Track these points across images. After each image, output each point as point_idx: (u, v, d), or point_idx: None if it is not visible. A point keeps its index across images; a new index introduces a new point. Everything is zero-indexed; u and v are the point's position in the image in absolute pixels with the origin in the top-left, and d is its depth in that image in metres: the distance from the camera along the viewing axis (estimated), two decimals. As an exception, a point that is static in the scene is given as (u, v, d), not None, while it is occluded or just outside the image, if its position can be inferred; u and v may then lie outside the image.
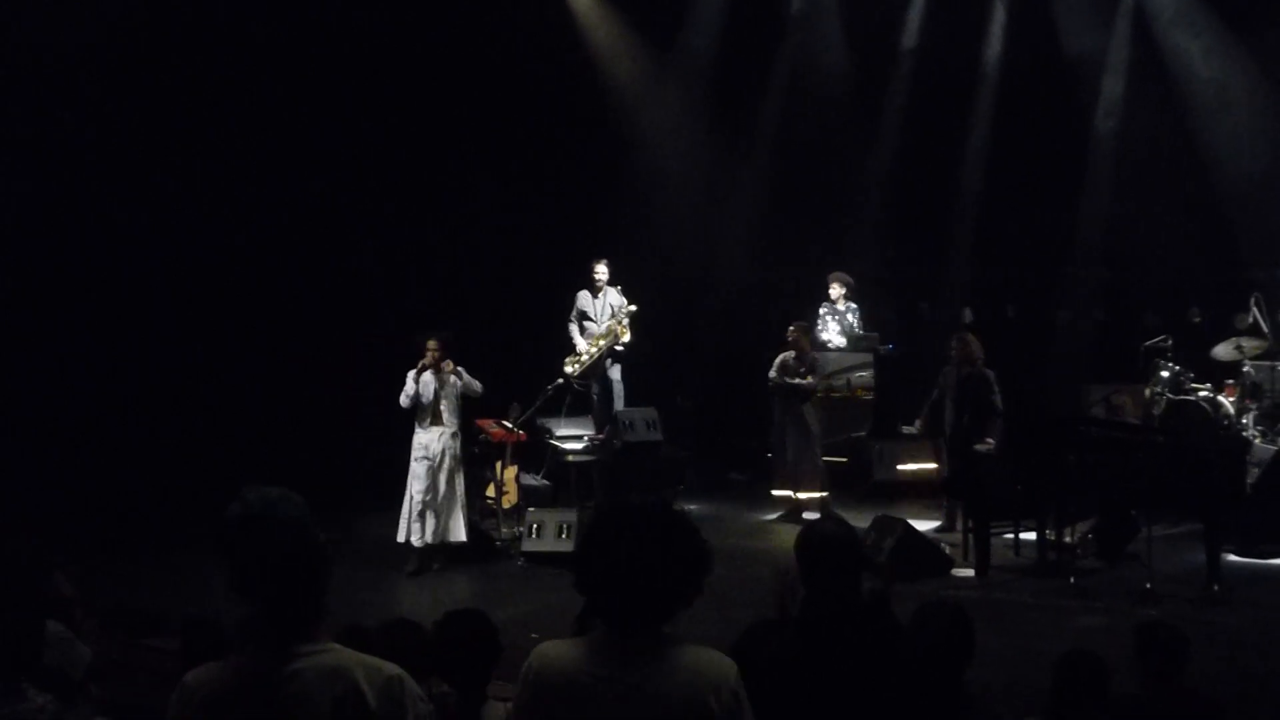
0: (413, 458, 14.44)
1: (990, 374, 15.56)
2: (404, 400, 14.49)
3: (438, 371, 14.36)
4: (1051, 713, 6.41)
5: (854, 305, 19.71)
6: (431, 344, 14.40)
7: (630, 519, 4.23)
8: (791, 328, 17.33)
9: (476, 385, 14.58)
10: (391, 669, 4.05)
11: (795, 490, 17.09)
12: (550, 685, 4.15)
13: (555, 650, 4.24)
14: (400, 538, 14.33)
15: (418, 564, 14.20)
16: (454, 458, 14.51)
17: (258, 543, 3.97)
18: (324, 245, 18.66)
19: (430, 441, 14.37)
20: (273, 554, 3.96)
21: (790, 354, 17.16)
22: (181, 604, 9.68)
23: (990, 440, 15.14)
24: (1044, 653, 7.58)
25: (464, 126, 19.54)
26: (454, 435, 14.57)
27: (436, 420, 14.42)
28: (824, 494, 17.05)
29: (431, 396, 14.38)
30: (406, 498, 14.34)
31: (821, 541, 5.23)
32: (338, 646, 4.06)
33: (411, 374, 14.42)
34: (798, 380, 17.04)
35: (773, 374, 17.20)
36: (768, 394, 17.42)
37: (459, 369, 14.50)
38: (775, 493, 17.42)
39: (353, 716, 3.90)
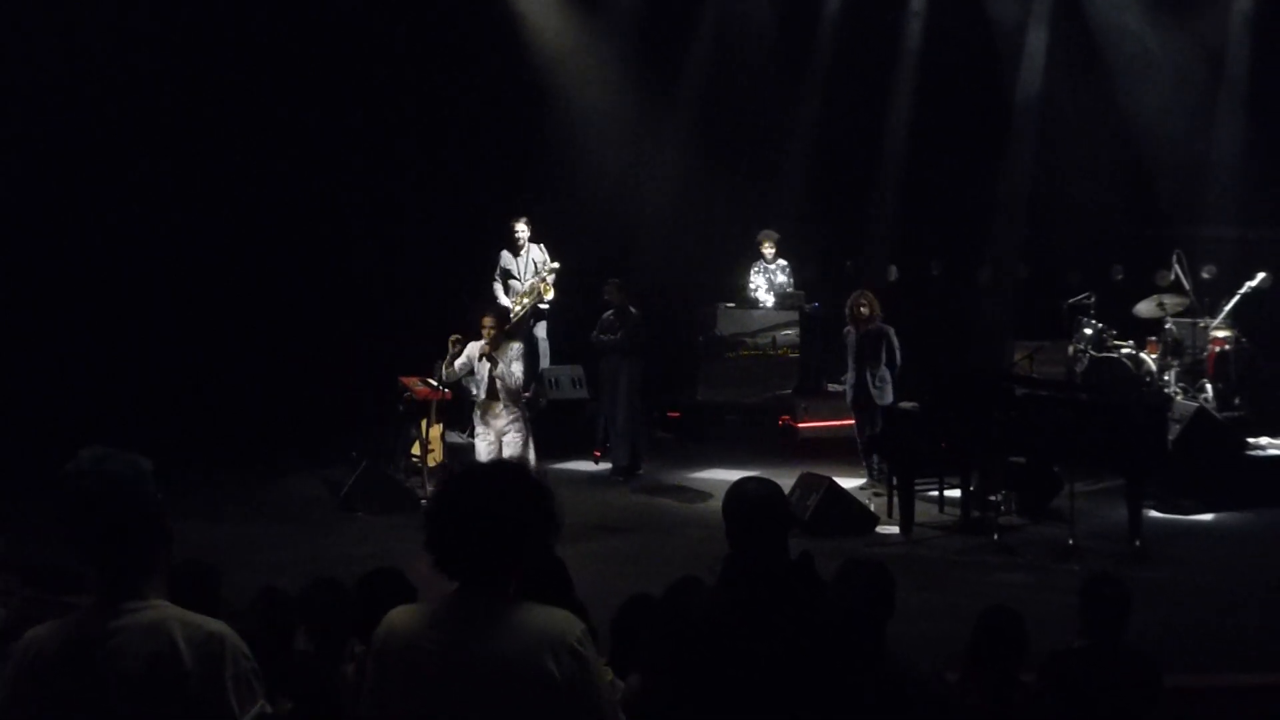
0: (477, 436, 14.05)
1: (889, 329, 15.64)
2: (450, 374, 14.28)
3: (493, 349, 13.90)
4: (970, 667, 6.45)
5: (784, 263, 19.75)
6: (488, 320, 14.01)
7: (474, 480, 4.29)
8: (606, 285, 17.03)
9: (517, 375, 13.99)
10: (214, 625, 3.98)
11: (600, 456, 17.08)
12: (392, 652, 4.15)
13: (399, 617, 4.23)
14: None
15: None
16: (517, 429, 14.03)
17: (85, 498, 3.92)
18: (249, 207, 18.49)
19: (492, 420, 13.89)
20: (99, 509, 3.92)
21: (609, 312, 16.95)
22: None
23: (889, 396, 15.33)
24: (965, 608, 7.64)
25: (383, 84, 19.38)
26: (512, 413, 13.97)
27: (493, 396, 13.86)
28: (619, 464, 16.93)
29: (486, 376, 13.91)
30: None
31: (747, 501, 5.22)
32: (163, 603, 3.98)
33: (467, 352, 14.04)
34: (610, 337, 16.82)
35: (594, 333, 17.04)
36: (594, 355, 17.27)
37: (507, 349, 14.04)
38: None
39: (167, 674, 3.84)
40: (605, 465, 17.09)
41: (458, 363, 14.12)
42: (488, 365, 13.75)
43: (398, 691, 4.12)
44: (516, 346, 14.15)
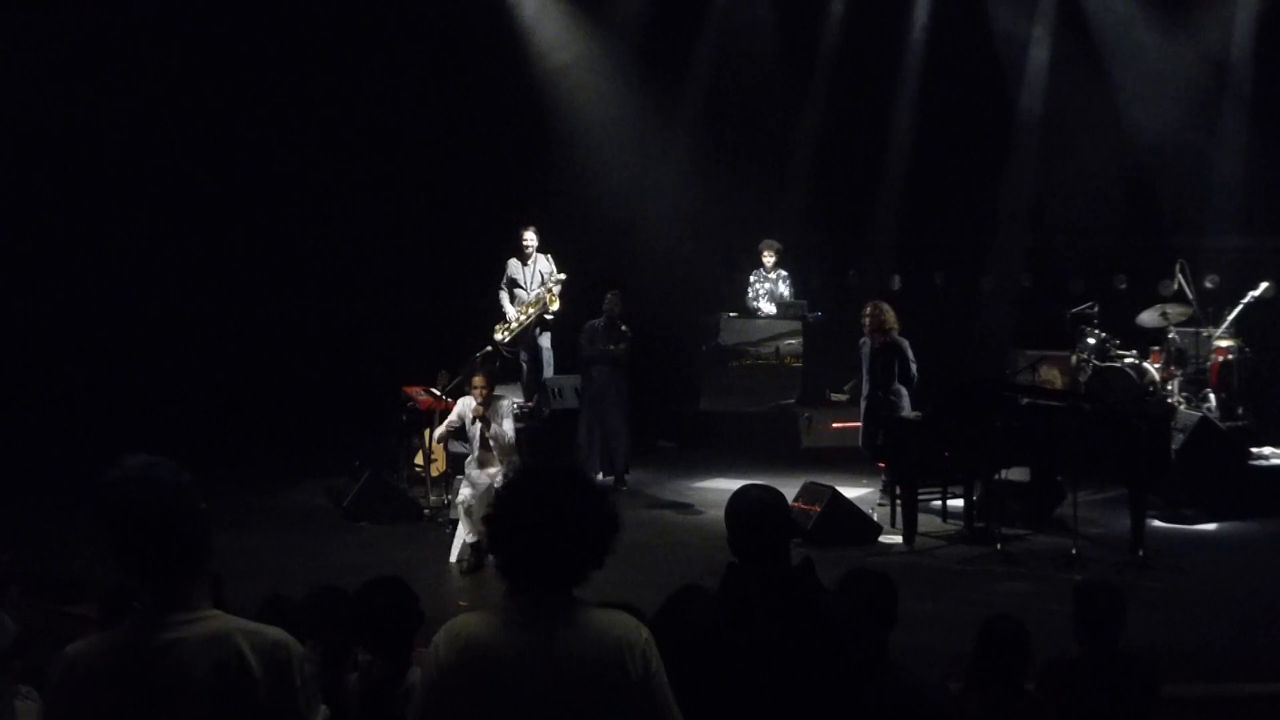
0: (468, 482, 13.39)
1: (904, 342, 15.52)
2: (440, 433, 14.17)
3: (486, 409, 13.73)
4: (973, 676, 6.45)
5: (784, 273, 19.74)
6: (478, 380, 13.81)
7: (540, 481, 4.26)
8: (608, 295, 16.82)
9: (509, 433, 13.66)
10: (276, 633, 3.95)
11: (601, 472, 16.68)
12: (461, 662, 4.10)
13: (463, 625, 4.19)
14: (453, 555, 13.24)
15: (473, 560, 12.92)
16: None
17: (130, 508, 3.86)
18: (253, 217, 18.52)
19: (480, 478, 13.25)
20: (145, 519, 3.86)
21: (600, 321, 16.77)
22: (100, 570, 9.58)
23: (906, 410, 15.21)
24: (968, 618, 7.62)
25: (390, 94, 19.42)
26: (507, 466, 13.35)
27: (487, 463, 13.42)
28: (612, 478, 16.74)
29: (479, 435, 13.55)
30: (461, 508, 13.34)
31: (750, 508, 5.23)
32: (218, 613, 3.94)
33: (458, 410, 13.89)
34: (600, 347, 16.65)
35: (581, 342, 16.84)
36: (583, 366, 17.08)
37: (498, 408, 13.90)
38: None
39: (236, 684, 3.80)
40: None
41: (446, 424, 14.00)
42: (480, 425, 13.63)
43: (476, 699, 4.09)
44: (506, 404, 14.08)
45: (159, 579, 3.89)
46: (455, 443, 14.42)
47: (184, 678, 3.79)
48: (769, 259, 19.66)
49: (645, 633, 4.14)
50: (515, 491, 4.28)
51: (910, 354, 15.40)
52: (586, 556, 4.19)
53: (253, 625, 3.95)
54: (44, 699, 3.98)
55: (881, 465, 15.47)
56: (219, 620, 3.91)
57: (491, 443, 13.45)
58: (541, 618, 4.09)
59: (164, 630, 3.83)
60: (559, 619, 4.08)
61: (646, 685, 4.06)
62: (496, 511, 4.27)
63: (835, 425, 18.37)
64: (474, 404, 13.54)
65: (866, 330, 15.60)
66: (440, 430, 14.17)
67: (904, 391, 15.32)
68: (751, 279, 19.79)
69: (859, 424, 16.12)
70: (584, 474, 4.37)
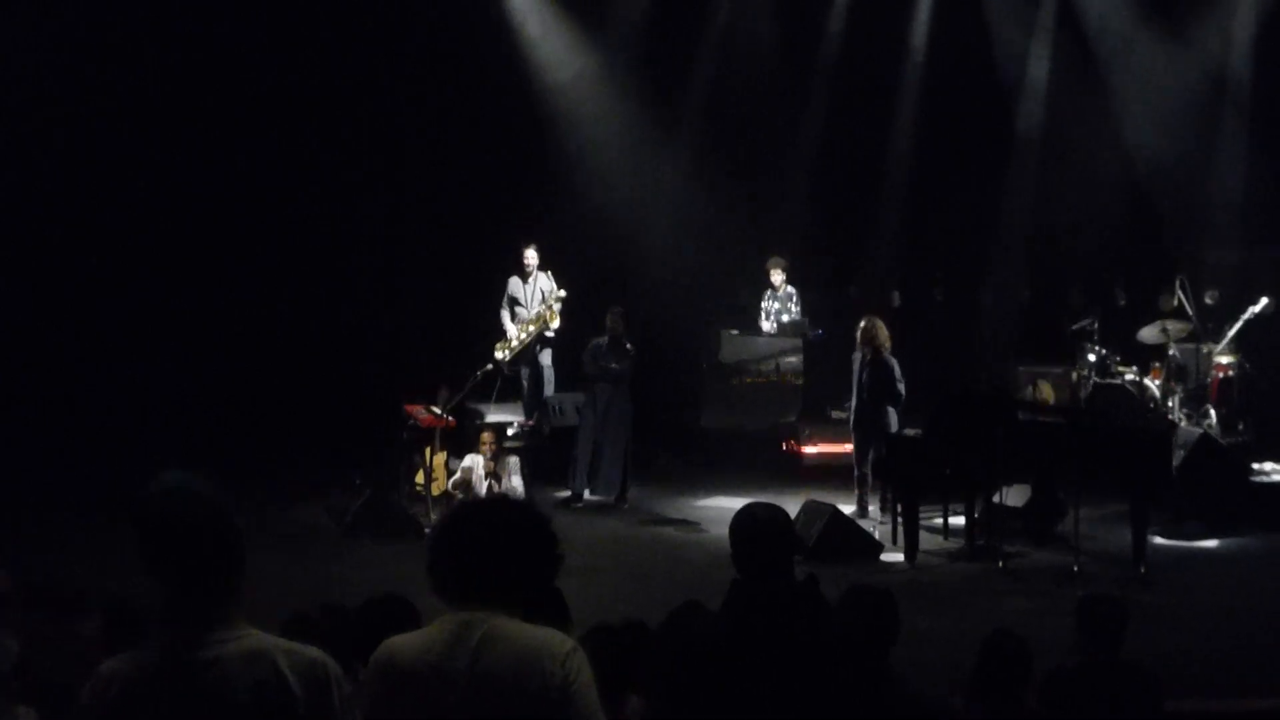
0: None
1: (893, 361, 15.54)
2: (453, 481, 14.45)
3: (495, 464, 13.91)
4: (975, 693, 6.45)
5: (793, 290, 19.73)
6: (486, 437, 13.94)
7: (473, 513, 4.45)
8: (610, 313, 16.78)
9: (519, 490, 13.89)
10: (314, 652, 3.98)
11: (591, 490, 16.69)
12: (390, 676, 4.18)
13: (398, 642, 4.28)
14: None
15: None
16: None
17: (172, 522, 3.88)
18: (253, 232, 18.53)
19: None
20: (187, 534, 3.87)
21: (604, 339, 16.72)
22: (104, 582, 9.56)
23: (893, 427, 15.26)
24: (970, 634, 7.61)
25: (391, 111, 19.46)
26: None
27: None
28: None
29: (485, 490, 14.01)
30: None
31: (754, 525, 5.24)
32: (256, 631, 3.96)
33: (467, 463, 14.04)
34: (605, 365, 16.59)
35: (585, 360, 16.81)
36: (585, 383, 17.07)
37: (507, 464, 14.08)
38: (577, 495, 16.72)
39: (275, 702, 3.81)
40: (594, 497, 16.91)
41: (454, 479, 14.20)
42: (489, 481, 13.76)
43: (395, 713, 4.15)
44: (514, 460, 14.20)
45: (200, 595, 3.90)
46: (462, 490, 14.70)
47: (224, 696, 3.80)
48: (777, 277, 19.64)
49: (571, 644, 4.19)
50: (450, 521, 4.43)
51: (898, 373, 15.45)
52: (517, 580, 4.26)
53: (291, 644, 3.99)
54: (77, 718, 3.96)
55: (865, 488, 15.57)
56: (257, 638, 3.93)
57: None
58: (467, 635, 4.13)
59: (203, 648, 3.84)
60: (485, 635, 4.13)
61: (566, 691, 4.08)
62: (431, 539, 4.38)
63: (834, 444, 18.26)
64: (483, 460, 13.74)
65: (859, 343, 15.66)
66: (451, 481, 14.38)
67: (891, 410, 15.36)
68: (763, 302, 19.81)
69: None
70: (521, 506, 4.53)
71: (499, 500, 4.47)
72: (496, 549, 4.20)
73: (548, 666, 4.07)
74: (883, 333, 15.60)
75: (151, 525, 3.90)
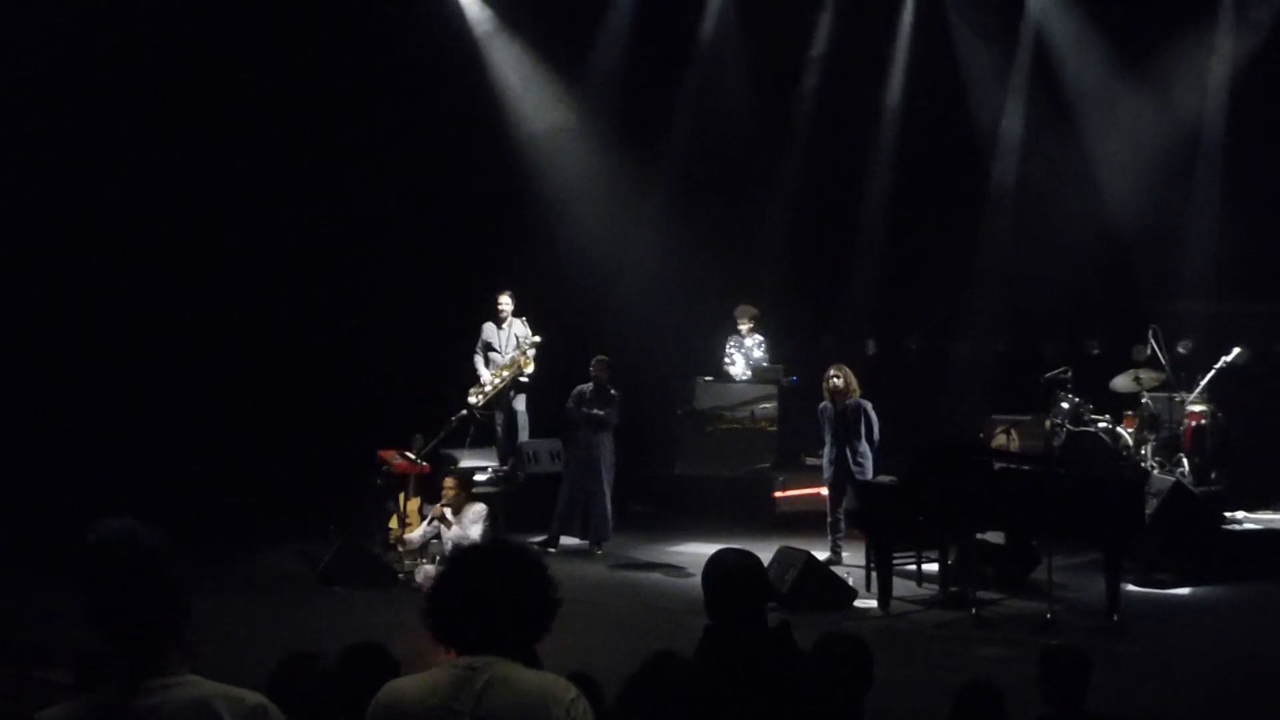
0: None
1: (866, 404, 15.61)
2: (415, 540, 14.56)
3: (453, 511, 13.98)
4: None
5: (760, 338, 19.81)
6: (449, 482, 13.98)
7: (476, 558, 4.39)
8: (594, 362, 16.93)
9: (471, 538, 13.73)
10: (254, 698, 3.93)
11: (579, 536, 16.82)
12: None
13: (400, 685, 4.28)
14: None
15: None
16: None
17: (105, 572, 3.83)
18: (229, 279, 18.50)
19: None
20: (124, 583, 3.82)
21: (588, 386, 16.88)
22: (73, 635, 9.51)
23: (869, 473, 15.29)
24: (944, 683, 7.62)
25: (368, 156, 19.45)
26: None
27: None
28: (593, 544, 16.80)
29: (447, 537, 14.09)
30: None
31: (727, 572, 5.24)
32: (196, 678, 3.90)
33: (432, 518, 14.12)
34: (596, 411, 16.71)
35: (569, 405, 16.93)
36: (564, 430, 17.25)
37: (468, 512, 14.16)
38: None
39: None
40: (576, 541, 16.91)
41: (422, 529, 14.27)
42: (436, 524, 13.87)
43: None
44: (478, 508, 14.24)
45: (136, 643, 3.85)
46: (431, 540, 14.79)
47: None
48: (744, 325, 19.75)
49: (575, 691, 4.17)
50: (453, 567, 4.40)
51: (874, 415, 15.50)
52: (520, 626, 4.26)
53: (232, 690, 3.92)
54: None
55: (839, 534, 15.59)
56: (197, 686, 3.88)
57: (447, 546, 13.83)
58: (471, 680, 4.12)
59: (141, 695, 3.79)
60: (489, 680, 4.11)
61: None
62: (434, 585, 4.37)
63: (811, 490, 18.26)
64: (440, 505, 13.85)
65: (827, 394, 15.66)
66: (417, 534, 14.41)
67: (868, 453, 15.40)
68: (728, 346, 19.87)
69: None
70: (521, 550, 4.43)
71: (498, 547, 4.43)
72: (499, 594, 4.20)
73: (553, 712, 4.06)
74: (853, 378, 15.66)
75: (88, 573, 3.85)
